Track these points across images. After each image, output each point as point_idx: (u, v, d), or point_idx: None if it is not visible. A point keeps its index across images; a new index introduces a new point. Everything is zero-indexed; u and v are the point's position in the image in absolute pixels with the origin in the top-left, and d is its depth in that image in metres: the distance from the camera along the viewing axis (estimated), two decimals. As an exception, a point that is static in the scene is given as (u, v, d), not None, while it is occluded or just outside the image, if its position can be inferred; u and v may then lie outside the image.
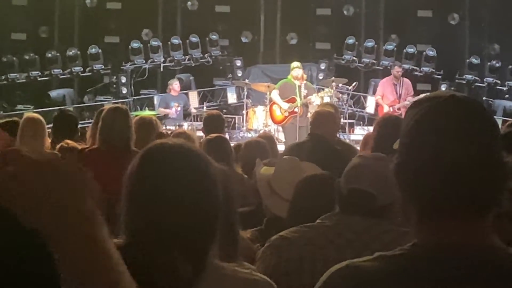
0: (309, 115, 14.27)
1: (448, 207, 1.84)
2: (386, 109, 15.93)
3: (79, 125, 8.84)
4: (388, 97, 16.28)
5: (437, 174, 1.82)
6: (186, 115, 17.90)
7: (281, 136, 15.29)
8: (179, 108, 17.37)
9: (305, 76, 15.15)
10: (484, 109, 1.93)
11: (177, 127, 15.89)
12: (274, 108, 15.10)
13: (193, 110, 17.83)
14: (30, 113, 7.47)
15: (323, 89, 16.53)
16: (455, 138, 1.82)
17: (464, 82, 19.55)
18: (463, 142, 1.82)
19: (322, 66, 20.11)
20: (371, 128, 10.71)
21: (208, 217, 2.21)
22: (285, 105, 14.64)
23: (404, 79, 16.55)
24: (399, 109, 15.86)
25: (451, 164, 1.81)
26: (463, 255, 1.83)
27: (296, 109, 14.47)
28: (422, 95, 2.11)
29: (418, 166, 1.85)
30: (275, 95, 14.90)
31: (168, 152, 2.26)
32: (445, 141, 1.82)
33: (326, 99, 15.63)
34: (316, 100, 14.63)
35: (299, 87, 14.49)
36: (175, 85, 17.70)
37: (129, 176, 2.24)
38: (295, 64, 14.73)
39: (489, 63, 19.52)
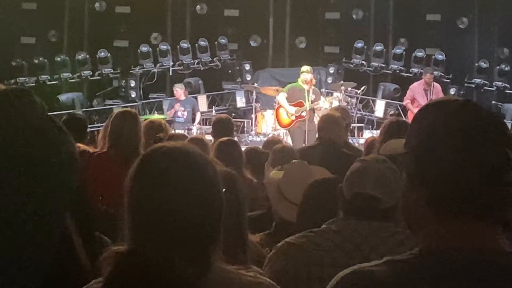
0: (315, 119, 14.30)
1: (469, 208, 1.86)
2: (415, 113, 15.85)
3: (89, 129, 8.83)
4: (419, 101, 16.26)
5: (461, 176, 1.86)
6: (194, 119, 17.90)
7: (290, 140, 15.27)
8: (185, 113, 17.34)
9: (314, 81, 15.11)
10: (498, 116, 1.99)
11: (186, 131, 15.89)
12: (281, 112, 15.09)
13: (198, 119, 17.74)
14: None
15: (331, 94, 16.52)
16: (476, 143, 1.87)
17: (473, 86, 19.52)
18: (484, 147, 1.87)
19: (331, 70, 20.11)
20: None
21: (210, 219, 2.19)
22: (292, 109, 14.61)
23: (435, 84, 16.53)
24: None
25: (474, 167, 1.85)
26: (474, 259, 1.84)
27: (303, 113, 14.44)
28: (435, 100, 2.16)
29: (441, 168, 1.88)
30: (282, 98, 14.86)
31: (166, 155, 2.24)
32: (468, 145, 1.86)
33: (335, 104, 15.66)
34: (324, 105, 14.63)
35: (307, 91, 14.46)
36: (178, 89, 17.62)
37: (129, 181, 2.23)
38: (305, 68, 14.67)
39: (498, 67, 19.47)
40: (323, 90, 17.76)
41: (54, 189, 1.42)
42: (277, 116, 15.34)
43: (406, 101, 16.63)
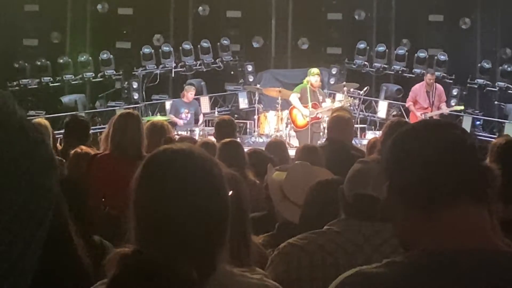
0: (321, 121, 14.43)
1: (452, 194, 1.95)
2: (418, 116, 15.95)
3: (91, 131, 8.83)
4: (421, 103, 16.28)
5: (436, 171, 1.97)
6: (196, 121, 17.88)
7: (292, 141, 15.33)
8: (189, 115, 17.34)
9: (320, 84, 15.25)
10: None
11: (189, 132, 15.89)
12: (295, 113, 15.17)
13: (201, 121, 17.70)
14: (39, 119, 7.44)
15: (333, 96, 16.62)
16: (443, 140, 2.03)
17: (476, 86, 19.51)
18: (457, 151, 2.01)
19: (334, 71, 20.09)
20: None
21: (215, 221, 2.19)
22: (306, 111, 14.76)
23: (437, 85, 16.56)
24: (431, 117, 15.89)
25: (449, 166, 1.97)
26: (472, 259, 1.86)
27: (319, 115, 14.57)
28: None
29: (417, 168, 1.99)
30: (295, 100, 14.98)
31: (171, 157, 2.24)
32: (436, 144, 2.02)
33: (338, 98, 15.83)
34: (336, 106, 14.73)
35: (314, 92, 14.62)
36: (189, 93, 17.60)
37: (134, 183, 2.23)
38: (315, 71, 14.86)
39: (500, 67, 19.46)
40: (325, 91, 17.79)
41: (35, 189, 1.43)
42: (291, 117, 15.42)
43: (409, 103, 16.64)
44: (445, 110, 16.48)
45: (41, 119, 7.70)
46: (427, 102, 16.25)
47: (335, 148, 7.67)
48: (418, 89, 16.59)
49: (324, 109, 14.62)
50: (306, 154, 6.79)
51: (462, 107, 17.58)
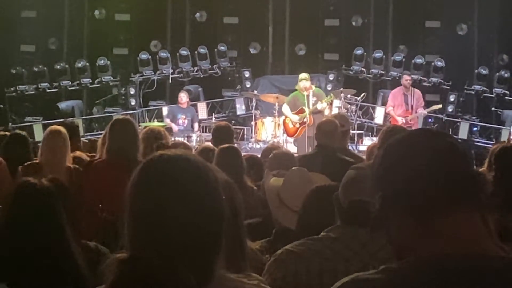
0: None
1: (447, 202, 1.96)
2: (399, 120, 15.95)
3: (89, 137, 8.79)
4: (398, 107, 16.30)
5: (428, 179, 1.98)
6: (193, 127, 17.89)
7: (290, 147, 15.32)
8: (186, 121, 17.35)
9: (313, 86, 15.20)
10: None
11: (186, 138, 15.90)
12: (287, 122, 15.28)
13: (196, 128, 17.70)
14: (55, 126, 7.34)
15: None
16: (436, 150, 2.04)
17: (473, 92, 19.51)
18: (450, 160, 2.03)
19: (331, 77, 20.10)
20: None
21: (211, 226, 2.18)
22: (295, 117, 14.86)
23: (415, 89, 16.57)
24: (410, 120, 15.92)
25: (441, 173, 1.98)
26: (466, 265, 1.88)
27: (305, 119, 14.59)
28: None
29: (412, 177, 2.01)
30: (285, 108, 15.13)
31: (166, 163, 2.23)
32: (429, 154, 2.03)
33: (335, 104, 15.79)
34: (322, 106, 14.68)
35: (307, 97, 14.62)
36: (181, 95, 17.68)
37: (130, 189, 2.22)
38: (302, 76, 14.94)
39: (497, 74, 19.45)
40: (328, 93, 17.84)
41: None
42: (284, 126, 15.52)
43: (389, 108, 16.70)
44: (423, 112, 16.52)
45: (58, 127, 7.45)
46: (403, 106, 16.30)
47: (325, 154, 7.66)
48: (395, 93, 16.69)
49: (312, 110, 14.59)
50: (277, 160, 6.78)
51: (440, 106, 17.52)
